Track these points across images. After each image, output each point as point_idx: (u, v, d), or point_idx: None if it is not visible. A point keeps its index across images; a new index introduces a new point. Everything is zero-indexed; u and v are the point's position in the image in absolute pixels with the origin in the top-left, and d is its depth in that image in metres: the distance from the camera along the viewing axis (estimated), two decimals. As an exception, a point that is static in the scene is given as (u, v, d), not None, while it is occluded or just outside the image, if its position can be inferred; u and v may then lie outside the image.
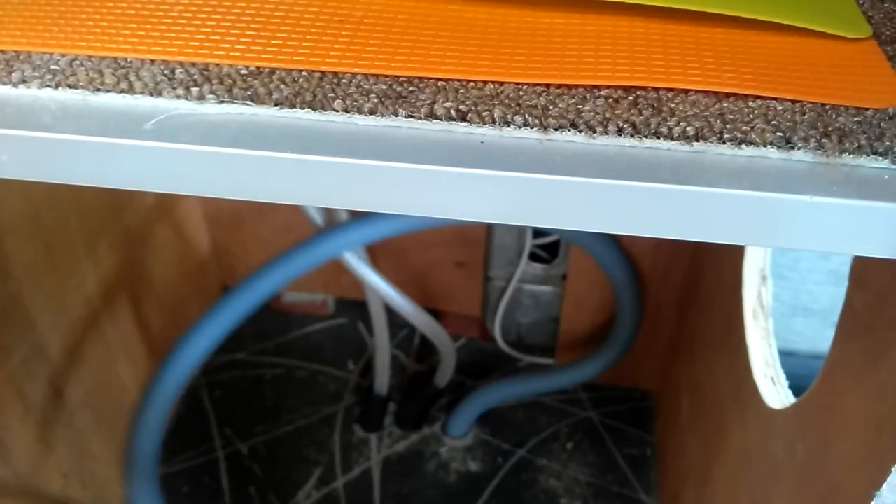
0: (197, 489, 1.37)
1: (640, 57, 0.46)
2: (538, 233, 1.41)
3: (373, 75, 0.44)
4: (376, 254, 1.37)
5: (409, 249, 1.34)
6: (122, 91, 0.43)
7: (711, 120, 0.41)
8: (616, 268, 1.24)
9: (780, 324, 0.98)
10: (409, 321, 1.28)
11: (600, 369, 1.34)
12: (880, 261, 0.40)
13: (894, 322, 0.56)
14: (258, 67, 0.45)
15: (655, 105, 0.42)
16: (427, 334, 1.33)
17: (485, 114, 0.41)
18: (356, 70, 0.44)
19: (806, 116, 0.42)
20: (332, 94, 0.42)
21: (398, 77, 0.44)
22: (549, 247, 1.44)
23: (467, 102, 0.42)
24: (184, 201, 1.43)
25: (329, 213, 1.22)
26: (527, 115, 0.41)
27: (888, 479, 0.53)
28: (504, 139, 0.41)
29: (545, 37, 0.48)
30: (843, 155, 0.39)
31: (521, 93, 0.43)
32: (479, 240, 1.45)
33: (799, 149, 0.40)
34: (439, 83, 0.44)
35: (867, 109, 0.42)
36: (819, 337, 1.40)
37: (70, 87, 0.44)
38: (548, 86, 0.44)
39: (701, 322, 1.19)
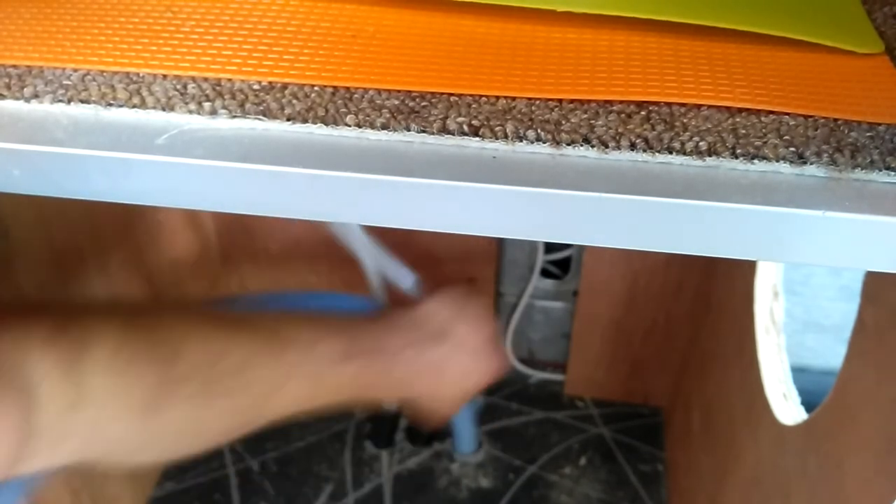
0: (207, 505, 1.38)
1: (653, 72, 0.46)
2: (550, 248, 1.41)
3: (385, 90, 0.44)
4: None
5: (419, 265, 1.34)
6: (134, 106, 0.43)
7: (724, 135, 0.41)
8: None
9: (792, 340, 0.98)
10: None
11: None
12: (893, 276, 0.40)
13: (907, 338, 0.56)
14: (270, 82, 0.45)
15: (668, 120, 0.42)
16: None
17: (497, 129, 0.41)
18: (368, 85, 0.44)
19: (818, 131, 0.41)
20: (344, 109, 0.42)
21: (410, 92, 0.44)
22: (561, 262, 1.44)
23: (480, 117, 0.42)
24: (195, 216, 1.43)
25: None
26: (539, 130, 0.41)
27: (901, 496, 0.53)
28: (516, 154, 0.41)
29: (558, 52, 0.48)
30: (856, 170, 0.39)
31: (533, 108, 0.43)
32: (491, 255, 1.44)
33: (811, 164, 0.39)
34: (451, 98, 0.44)
35: (879, 125, 0.42)
36: (831, 353, 1.40)
37: (82, 101, 0.44)
38: (560, 101, 0.44)
39: (712, 338, 1.19)
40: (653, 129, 0.41)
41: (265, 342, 0.80)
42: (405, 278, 1.13)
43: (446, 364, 0.93)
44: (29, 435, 0.62)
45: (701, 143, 0.40)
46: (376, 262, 1.12)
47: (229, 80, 0.45)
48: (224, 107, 0.43)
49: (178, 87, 0.44)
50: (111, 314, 0.73)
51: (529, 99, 0.44)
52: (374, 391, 0.91)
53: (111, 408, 0.69)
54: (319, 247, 1.44)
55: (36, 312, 0.68)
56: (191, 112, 0.43)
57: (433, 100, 0.44)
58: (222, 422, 0.78)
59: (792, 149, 0.40)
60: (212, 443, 0.77)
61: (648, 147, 0.40)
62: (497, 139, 0.41)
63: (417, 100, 0.44)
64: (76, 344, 0.67)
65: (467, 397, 1.00)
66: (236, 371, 0.77)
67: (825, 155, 0.40)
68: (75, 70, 0.46)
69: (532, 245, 1.40)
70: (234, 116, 0.43)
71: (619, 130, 0.41)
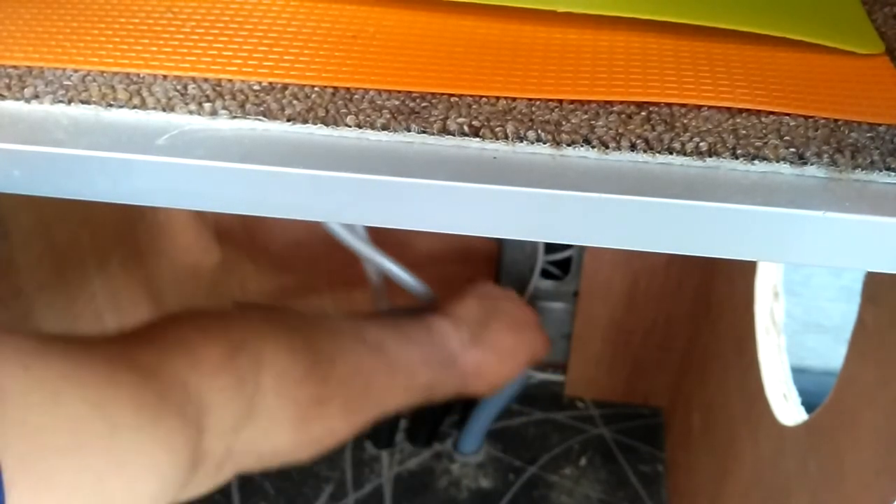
0: (208, 505, 1.37)
1: (653, 72, 0.46)
2: (550, 249, 1.40)
3: (385, 91, 0.44)
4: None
5: (420, 265, 1.33)
6: (134, 106, 0.43)
7: (724, 135, 0.41)
8: None
9: (793, 340, 0.98)
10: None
11: None
12: (893, 277, 0.40)
13: (907, 338, 0.56)
14: (270, 83, 0.45)
15: (668, 120, 0.42)
16: None
17: (498, 129, 0.41)
18: (369, 86, 0.44)
19: (819, 132, 0.41)
20: (344, 110, 0.42)
21: (411, 93, 0.44)
22: (561, 263, 1.43)
23: (480, 118, 0.42)
24: (195, 217, 1.43)
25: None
26: (540, 131, 0.41)
27: (902, 496, 0.53)
28: (517, 155, 0.41)
29: (558, 53, 0.48)
30: (856, 171, 0.39)
31: (533, 108, 0.43)
32: (491, 256, 1.44)
33: (812, 164, 0.39)
34: (452, 99, 0.44)
35: (880, 125, 0.42)
36: (831, 353, 1.40)
37: (82, 102, 0.44)
38: (560, 101, 0.44)
39: (712, 338, 1.18)
40: (653, 129, 0.41)
41: (378, 358, 0.89)
42: (413, 283, 1.14)
43: (486, 358, 1.04)
44: (197, 460, 0.63)
45: (701, 144, 0.40)
46: (379, 265, 1.13)
47: (230, 80, 0.45)
48: (224, 107, 0.43)
49: (179, 87, 0.44)
50: (275, 332, 0.78)
51: (530, 100, 0.44)
52: (437, 391, 1.00)
53: (272, 424, 0.76)
54: (320, 247, 1.45)
55: (210, 333, 0.72)
56: (191, 113, 0.43)
57: (433, 100, 0.44)
58: (348, 430, 0.86)
59: (792, 149, 0.40)
60: (331, 448, 0.85)
61: (649, 148, 0.40)
62: (497, 140, 0.41)
63: (418, 100, 0.44)
64: (248, 368, 0.72)
65: (515, 372, 1.13)
66: (363, 387, 0.86)
67: (825, 155, 0.40)
68: (76, 71, 0.46)
69: (532, 246, 1.39)
70: (235, 117, 0.43)
71: (620, 131, 0.41)
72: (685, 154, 0.40)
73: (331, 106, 0.43)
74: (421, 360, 0.94)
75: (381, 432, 1.44)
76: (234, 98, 0.43)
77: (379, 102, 0.43)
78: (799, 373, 0.88)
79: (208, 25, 0.50)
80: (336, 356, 0.83)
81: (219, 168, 0.40)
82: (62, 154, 0.41)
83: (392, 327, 0.95)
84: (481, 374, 1.04)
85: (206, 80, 0.45)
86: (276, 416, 0.73)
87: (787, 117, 0.43)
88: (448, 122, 0.41)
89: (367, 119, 0.42)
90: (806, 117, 0.43)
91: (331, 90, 0.44)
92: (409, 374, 0.93)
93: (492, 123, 0.41)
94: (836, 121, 0.42)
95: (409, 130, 0.41)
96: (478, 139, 0.41)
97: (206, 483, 0.69)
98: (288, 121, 0.42)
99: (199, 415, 0.64)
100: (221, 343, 0.70)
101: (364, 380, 0.85)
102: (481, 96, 0.44)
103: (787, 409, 0.84)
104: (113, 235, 1.18)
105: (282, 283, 1.56)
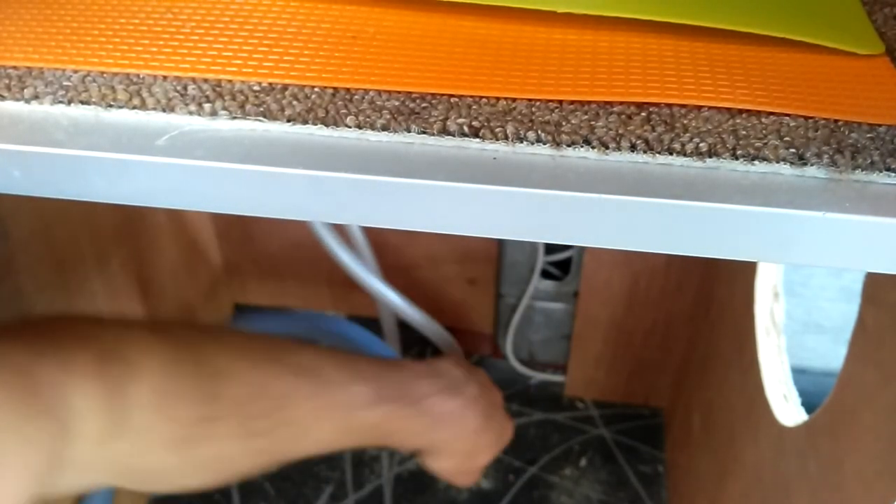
0: (208, 506, 1.38)
1: (653, 73, 0.45)
2: (550, 249, 1.40)
3: (385, 91, 0.44)
4: (387, 270, 1.36)
5: (420, 266, 1.34)
6: (134, 107, 0.43)
7: (724, 136, 0.41)
8: None
9: (793, 341, 0.98)
10: (420, 331, 1.26)
11: None
12: (893, 277, 0.40)
13: (908, 339, 0.56)
14: (270, 83, 0.45)
15: (668, 121, 0.42)
16: (439, 345, 1.31)
17: (497, 130, 0.41)
18: (369, 86, 0.44)
19: (819, 133, 0.41)
20: (344, 110, 0.42)
21: (411, 93, 0.44)
22: (561, 264, 1.43)
23: (480, 118, 0.42)
24: (195, 217, 1.43)
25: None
26: (539, 132, 0.41)
27: (902, 497, 0.53)
28: (517, 155, 0.41)
29: (558, 53, 0.48)
30: (856, 171, 0.39)
31: (533, 109, 0.43)
32: (491, 257, 1.44)
33: (812, 165, 0.39)
34: (452, 99, 0.44)
35: (880, 126, 0.42)
36: (831, 354, 1.40)
37: (82, 102, 0.44)
38: (560, 102, 0.43)
39: (713, 339, 1.18)
40: (653, 130, 0.41)
41: (302, 382, 0.81)
42: (442, 337, 1.14)
43: (462, 416, 0.95)
44: (60, 464, 0.62)
45: (701, 145, 0.40)
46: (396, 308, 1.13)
47: (230, 81, 0.45)
48: (224, 108, 0.43)
49: (179, 88, 0.44)
50: (158, 342, 0.74)
51: (530, 100, 0.44)
52: (396, 437, 0.92)
53: (147, 441, 0.71)
54: (320, 250, 1.45)
55: (85, 338, 0.69)
56: (191, 113, 0.43)
57: (433, 101, 0.44)
58: (253, 459, 0.79)
59: (792, 150, 0.40)
60: (240, 476, 0.79)
61: (649, 148, 0.40)
62: (497, 140, 0.41)
63: (418, 101, 0.44)
64: (121, 377, 0.68)
65: (483, 459, 1.05)
66: (272, 411, 0.78)
67: (825, 156, 0.40)
68: (75, 71, 0.46)
69: (532, 246, 1.39)
70: (235, 117, 0.43)
71: (620, 132, 0.41)
72: (685, 155, 0.40)
73: (331, 106, 0.43)
74: (369, 398, 0.85)
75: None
76: (233, 99, 0.43)
77: (379, 103, 0.43)
78: (799, 373, 0.88)
79: (208, 26, 0.50)
80: (235, 375, 0.77)
81: (219, 168, 0.40)
82: (62, 155, 0.41)
83: (338, 358, 0.87)
84: (449, 420, 0.94)
85: (206, 80, 0.45)
86: (150, 432, 0.70)
87: (787, 118, 0.43)
88: (448, 122, 0.41)
89: (367, 119, 0.42)
90: (806, 118, 0.43)
91: (331, 91, 0.44)
92: (348, 408, 0.85)
93: (492, 124, 0.41)
94: (836, 121, 0.42)
95: (409, 131, 0.41)
96: (478, 140, 0.41)
97: (67, 488, 0.67)
98: (288, 121, 0.42)
99: (68, 418, 0.63)
100: (94, 349, 0.68)
101: (274, 404, 0.79)
102: (481, 97, 0.44)
103: (787, 409, 0.83)
104: (113, 235, 1.18)
105: (281, 284, 1.56)
